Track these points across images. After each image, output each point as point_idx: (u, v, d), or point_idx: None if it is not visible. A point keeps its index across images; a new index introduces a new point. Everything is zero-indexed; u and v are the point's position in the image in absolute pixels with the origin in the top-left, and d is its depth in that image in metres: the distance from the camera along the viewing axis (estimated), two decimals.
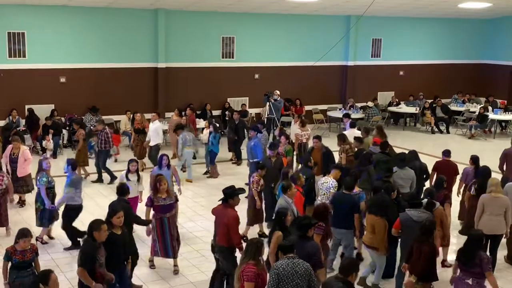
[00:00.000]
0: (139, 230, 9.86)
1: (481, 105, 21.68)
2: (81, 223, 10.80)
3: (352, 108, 21.37)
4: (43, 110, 17.72)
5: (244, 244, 7.13)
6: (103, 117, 18.23)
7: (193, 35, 19.75)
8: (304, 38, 21.49)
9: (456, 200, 11.06)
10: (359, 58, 22.85)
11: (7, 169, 11.88)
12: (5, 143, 13.15)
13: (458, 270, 7.24)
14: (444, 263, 9.33)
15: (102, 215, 7.63)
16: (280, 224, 7.49)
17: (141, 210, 10.09)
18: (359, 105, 21.90)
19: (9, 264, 7.17)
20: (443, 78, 24.39)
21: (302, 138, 14.36)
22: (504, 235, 9.25)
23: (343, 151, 12.24)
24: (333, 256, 9.16)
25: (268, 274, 6.32)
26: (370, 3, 15.59)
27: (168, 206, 8.91)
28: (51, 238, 10.39)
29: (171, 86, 19.61)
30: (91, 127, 16.56)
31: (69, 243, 10.05)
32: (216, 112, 20.20)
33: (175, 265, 9.18)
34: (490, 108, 21.46)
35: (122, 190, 8.90)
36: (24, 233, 7.21)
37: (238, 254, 7.45)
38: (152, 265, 9.24)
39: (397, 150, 12.89)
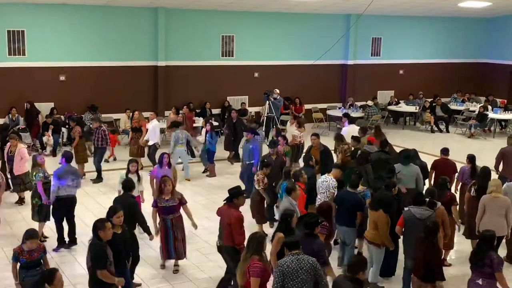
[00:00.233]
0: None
1: (481, 104, 21.69)
2: (81, 221, 10.85)
3: (351, 107, 21.37)
4: (42, 108, 17.73)
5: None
6: (103, 115, 18.29)
7: (193, 33, 19.74)
8: (304, 36, 21.48)
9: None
10: (359, 57, 22.85)
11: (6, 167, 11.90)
12: (3, 143, 13.16)
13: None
14: (443, 262, 9.34)
15: (101, 213, 7.63)
16: (286, 226, 7.50)
17: (144, 211, 10.09)
18: (358, 104, 21.90)
19: (18, 264, 7.17)
20: (443, 77, 24.39)
21: (301, 139, 14.36)
22: (505, 237, 9.24)
23: (341, 151, 12.23)
24: (341, 254, 9.20)
25: (272, 270, 6.33)
26: (370, 2, 15.59)
27: (171, 207, 8.83)
28: (45, 237, 10.28)
29: (171, 84, 19.60)
30: (90, 126, 16.54)
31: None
32: (216, 111, 20.20)
33: (176, 265, 9.19)
34: (489, 107, 21.47)
35: (128, 185, 8.89)
36: (31, 234, 7.21)
37: None
38: (163, 267, 9.27)
39: (397, 149, 12.89)
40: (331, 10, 20.97)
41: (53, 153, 16.33)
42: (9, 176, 12.16)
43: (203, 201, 12.70)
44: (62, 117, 17.92)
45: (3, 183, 10.58)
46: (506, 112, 21.09)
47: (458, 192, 11.31)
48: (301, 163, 13.24)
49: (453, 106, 22.72)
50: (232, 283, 8.01)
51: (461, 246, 9.91)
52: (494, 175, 10.66)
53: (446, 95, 23.73)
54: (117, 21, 18.68)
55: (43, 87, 17.88)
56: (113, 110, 18.63)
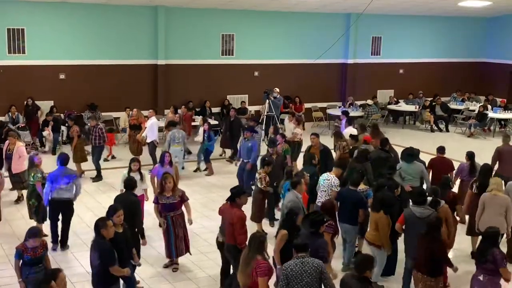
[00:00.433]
0: (149, 230, 9.85)
1: (481, 104, 21.69)
2: (81, 220, 10.86)
3: (351, 106, 21.37)
4: (42, 106, 17.73)
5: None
6: (103, 114, 18.29)
7: (193, 32, 19.73)
8: (304, 35, 21.47)
9: None
10: (359, 56, 22.84)
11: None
12: (0, 141, 13.15)
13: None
14: None
15: (101, 212, 7.62)
16: (290, 223, 7.51)
17: (147, 210, 10.10)
18: (358, 103, 21.89)
19: (20, 261, 7.18)
20: (443, 77, 24.38)
21: (300, 137, 14.37)
22: (505, 235, 9.25)
23: (339, 148, 12.24)
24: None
25: (275, 266, 6.34)
26: (370, 1, 15.58)
27: (171, 204, 8.85)
28: (45, 235, 10.22)
29: (171, 83, 19.60)
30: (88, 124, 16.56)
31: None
32: (216, 110, 20.20)
33: (175, 263, 9.19)
34: (489, 106, 21.47)
35: (130, 184, 8.87)
36: (34, 233, 7.23)
37: None
38: (170, 266, 9.27)
39: (396, 148, 12.90)
40: (331, 9, 20.96)
41: (53, 152, 16.32)
42: (6, 174, 12.17)
43: (202, 199, 12.71)
44: (62, 115, 17.92)
45: (2, 181, 10.58)
46: (506, 111, 21.10)
47: (456, 189, 11.34)
48: (299, 162, 13.28)
49: (453, 106, 22.72)
50: (232, 282, 8.00)
51: (461, 245, 9.92)
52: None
53: (446, 95, 23.73)
54: (117, 19, 18.67)
55: (43, 85, 17.87)
56: (113, 109, 18.63)
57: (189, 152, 15.89)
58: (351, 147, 12.19)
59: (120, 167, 15.18)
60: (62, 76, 18.28)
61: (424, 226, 7.54)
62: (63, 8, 17.90)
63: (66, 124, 17.40)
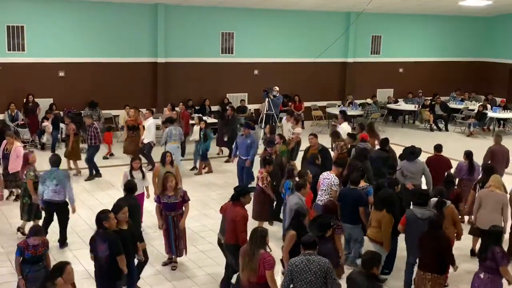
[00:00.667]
0: (148, 228, 9.85)
1: (480, 103, 21.69)
2: (79, 217, 10.85)
3: (351, 105, 21.37)
4: (42, 104, 17.71)
5: None
6: (102, 111, 18.27)
7: (192, 30, 19.72)
8: (303, 34, 21.46)
9: None
10: (358, 55, 22.83)
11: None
12: None
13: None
14: None
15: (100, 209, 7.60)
16: (298, 223, 7.53)
17: (147, 208, 10.09)
18: (358, 102, 21.89)
19: (21, 259, 7.18)
20: (442, 76, 24.38)
21: (300, 136, 14.37)
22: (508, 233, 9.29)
23: (337, 148, 12.24)
24: (347, 252, 9.26)
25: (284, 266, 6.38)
26: None
27: (173, 204, 8.83)
28: (23, 234, 10.06)
29: (170, 81, 19.59)
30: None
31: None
32: (215, 108, 20.18)
33: (174, 261, 9.19)
34: (488, 106, 21.47)
35: (130, 187, 8.86)
36: (36, 231, 7.24)
37: None
38: (169, 264, 9.26)
39: (396, 147, 12.90)
40: (331, 7, 20.95)
41: (52, 149, 16.29)
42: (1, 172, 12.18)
43: (201, 198, 12.69)
44: (61, 113, 17.91)
45: (1, 181, 10.57)
46: (505, 111, 21.10)
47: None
48: (298, 162, 13.28)
49: (452, 105, 22.73)
50: (232, 281, 8.01)
51: (461, 244, 9.91)
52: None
53: (446, 94, 23.74)
54: (117, 17, 18.65)
55: (43, 82, 17.85)
56: (112, 107, 18.61)
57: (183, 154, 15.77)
58: (349, 146, 12.19)
59: (119, 165, 15.22)
60: (61, 74, 18.26)
61: (424, 226, 7.56)
62: (62, 5, 17.88)
63: (65, 122, 17.39)
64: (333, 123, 19.64)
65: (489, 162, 12.17)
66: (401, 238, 8.95)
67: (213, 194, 13.04)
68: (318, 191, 9.88)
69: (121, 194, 9.92)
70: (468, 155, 11.24)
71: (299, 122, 15.04)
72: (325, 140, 13.18)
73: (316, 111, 21.81)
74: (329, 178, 9.74)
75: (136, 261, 7.83)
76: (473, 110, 21.50)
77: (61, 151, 16.12)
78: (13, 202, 12.05)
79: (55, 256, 9.30)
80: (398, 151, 12.04)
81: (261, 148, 13.67)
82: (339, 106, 21.64)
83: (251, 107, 20.86)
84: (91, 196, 12.67)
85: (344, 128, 13.83)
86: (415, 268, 7.94)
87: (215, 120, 18.47)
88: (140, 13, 18.96)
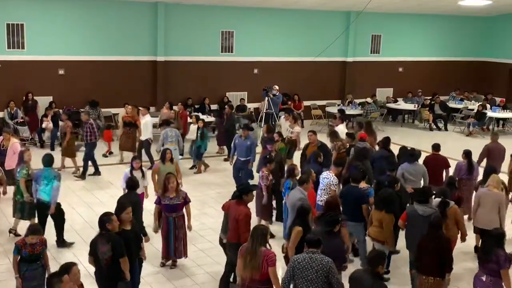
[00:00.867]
0: (148, 227, 9.83)
1: (480, 103, 21.70)
2: (79, 216, 10.85)
3: (350, 104, 21.37)
4: (41, 102, 17.70)
5: None
6: (102, 109, 18.25)
7: (192, 28, 19.71)
8: (303, 33, 21.46)
9: None
10: (358, 54, 22.83)
11: None
12: None
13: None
14: None
15: (100, 207, 7.61)
16: (302, 220, 7.56)
17: (146, 207, 10.08)
18: (357, 101, 21.90)
19: (19, 257, 7.16)
20: (442, 75, 24.38)
21: (297, 135, 14.36)
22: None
23: (335, 148, 12.23)
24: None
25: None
26: None
27: (174, 206, 8.75)
28: (16, 235, 10.05)
29: (170, 79, 19.58)
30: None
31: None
32: (215, 107, 20.17)
33: (174, 260, 9.15)
34: (488, 105, 21.48)
35: (132, 184, 8.84)
36: (34, 230, 7.22)
37: None
38: (170, 264, 9.23)
39: (395, 146, 12.90)
40: (331, 7, 20.95)
41: (51, 147, 16.29)
42: None
43: (200, 197, 12.68)
44: (61, 111, 17.88)
45: (2, 177, 10.55)
46: (504, 110, 21.11)
47: None
48: (296, 161, 13.28)
49: (452, 104, 22.73)
50: (232, 279, 8.02)
51: (461, 243, 9.93)
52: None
53: (445, 93, 23.74)
54: (117, 15, 18.64)
55: (42, 80, 17.84)
56: (112, 105, 18.59)
57: (181, 153, 15.74)
58: (347, 146, 12.19)
59: (117, 163, 15.22)
60: (61, 72, 18.25)
61: (425, 224, 7.55)
62: (62, 3, 17.86)
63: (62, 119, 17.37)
64: (330, 123, 19.59)
65: (485, 160, 12.23)
66: (401, 238, 8.98)
67: (212, 193, 13.05)
68: (318, 191, 9.87)
69: (120, 192, 9.96)
70: (467, 154, 11.26)
71: (297, 121, 15.01)
72: (324, 140, 13.15)
73: (316, 110, 21.81)
74: (328, 178, 9.74)
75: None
76: (472, 109, 21.50)
77: (59, 149, 16.16)
78: (12, 199, 12.02)
79: (54, 255, 9.33)
80: (397, 150, 12.03)
81: (258, 148, 13.62)
82: (338, 105, 21.63)
83: (251, 106, 20.86)
84: (91, 194, 12.66)
85: (341, 129, 13.83)
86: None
87: (213, 119, 18.43)
88: (140, 12, 18.95)
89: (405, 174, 10.57)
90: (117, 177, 11.90)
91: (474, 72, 24.96)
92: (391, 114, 22.93)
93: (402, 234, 8.88)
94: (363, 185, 9.38)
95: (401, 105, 22.66)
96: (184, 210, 8.95)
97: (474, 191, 10.23)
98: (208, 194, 12.97)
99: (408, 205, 9.43)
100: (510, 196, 11.09)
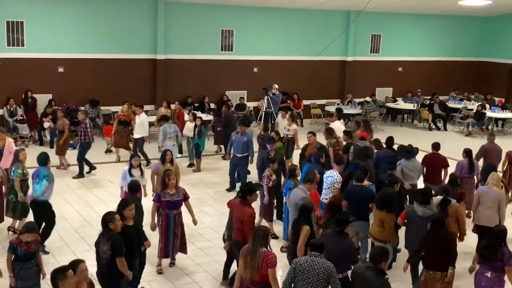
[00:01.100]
0: (147, 225, 9.82)
1: (479, 103, 21.70)
2: (78, 214, 10.84)
3: (350, 104, 21.37)
4: (41, 100, 17.69)
5: None
6: (101, 107, 18.24)
7: (192, 27, 19.70)
8: (303, 32, 21.44)
9: None
10: (358, 53, 22.82)
11: None
12: None
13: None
14: None
15: (98, 206, 7.60)
16: (306, 218, 7.57)
17: (144, 206, 10.06)
18: (357, 100, 21.90)
19: (13, 256, 7.15)
20: (441, 75, 24.38)
21: (295, 133, 14.36)
22: None
23: (330, 145, 12.24)
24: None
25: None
26: None
27: (175, 202, 8.69)
28: (15, 233, 9.89)
29: (170, 78, 19.58)
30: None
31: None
32: (214, 105, 20.17)
33: (172, 258, 9.10)
34: (487, 105, 21.48)
35: (135, 186, 8.79)
36: (29, 228, 7.23)
37: None
38: (168, 262, 9.11)
39: (395, 147, 12.89)
40: (331, 6, 20.94)
41: (51, 145, 16.27)
42: None
43: (199, 195, 12.68)
44: (60, 109, 17.87)
45: (4, 176, 10.52)
46: (504, 110, 21.12)
47: None
48: (295, 160, 13.28)
49: (451, 104, 22.73)
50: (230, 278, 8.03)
51: (460, 243, 9.95)
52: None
53: (445, 93, 23.74)
54: (117, 13, 18.63)
55: (42, 78, 17.82)
56: (111, 103, 18.57)
57: (180, 152, 15.72)
58: (344, 143, 12.18)
59: (115, 161, 15.19)
60: (61, 70, 18.25)
61: (424, 225, 7.57)
62: (62, 1, 17.85)
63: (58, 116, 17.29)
64: (326, 121, 19.56)
65: (481, 159, 12.27)
66: (401, 236, 8.98)
67: (211, 192, 13.04)
68: (322, 190, 9.86)
69: (119, 190, 9.95)
70: (468, 153, 11.29)
71: (295, 119, 14.95)
72: (323, 138, 13.16)
73: (315, 109, 21.80)
74: (332, 176, 9.73)
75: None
76: (471, 109, 21.51)
77: None
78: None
79: (53, 253, 9.34)
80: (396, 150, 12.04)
81: (255, 147, 13.59)
82: (338, 104, 21.60)
83: (250, 104, 20.86)
84: (90, 192, 12.65)
85: (337, 126, 13.79)
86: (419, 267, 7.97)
87: (211, 117, 18.40)
88: (140, 10, 18.94)
89: (404, 170, 10.64)
90: (116, 175, 11.89)
91: (474, 72, 24.96)
92: (391, 113, 22.92)
93: (401, 232, 8.90)
94: (365, 182, 9.40)
95: (401, 104, 22.66)
96: (183, 206, 8.92)
97: (475, 190, 10.23)
98: (206, 193, 12.96)
99: (407, 204, 9.44)
100: (510, 194, 11.13)
